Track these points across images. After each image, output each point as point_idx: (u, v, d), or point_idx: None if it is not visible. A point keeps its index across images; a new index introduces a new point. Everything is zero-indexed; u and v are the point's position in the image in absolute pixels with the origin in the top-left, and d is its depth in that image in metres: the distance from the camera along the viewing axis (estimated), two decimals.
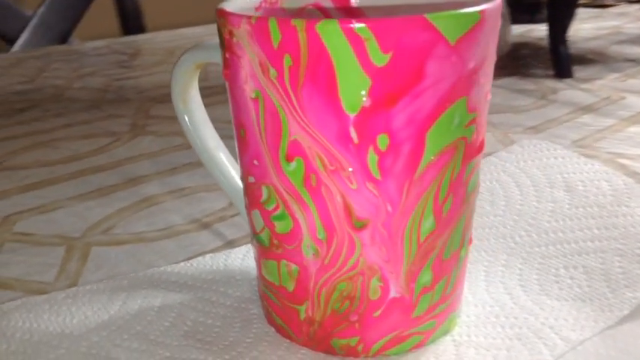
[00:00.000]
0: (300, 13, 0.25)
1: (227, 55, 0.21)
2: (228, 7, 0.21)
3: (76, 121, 0.54)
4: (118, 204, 0.37)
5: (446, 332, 0.24)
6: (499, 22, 0.21)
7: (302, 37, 0.18)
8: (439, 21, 0.18)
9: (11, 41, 1.38)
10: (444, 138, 0.20)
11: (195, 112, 0.26)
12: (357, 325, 0.22)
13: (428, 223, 0.21)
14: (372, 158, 0.19)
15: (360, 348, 0.22)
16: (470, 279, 0.27)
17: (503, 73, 0.59)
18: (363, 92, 0.18)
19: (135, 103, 0.58)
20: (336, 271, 0.21)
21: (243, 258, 0.29)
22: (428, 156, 0.20)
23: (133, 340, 0.23)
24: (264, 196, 0.22)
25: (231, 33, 0.20)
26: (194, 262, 0.28)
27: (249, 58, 0.20)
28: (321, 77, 0.18)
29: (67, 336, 0.23)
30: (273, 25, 0.18)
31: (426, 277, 0.22)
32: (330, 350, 0.23)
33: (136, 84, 0.66)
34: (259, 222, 0.22)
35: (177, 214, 0.35)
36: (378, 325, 0.22)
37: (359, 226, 0.20)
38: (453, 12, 0.18)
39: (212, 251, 0.30)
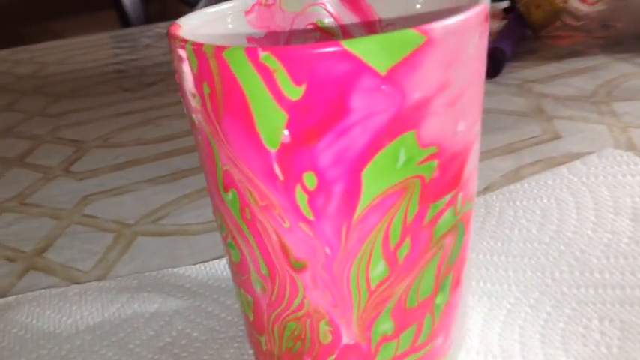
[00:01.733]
0: (299, 16, 0.23)
1: (176, 75, 0.20)
2: (195, 16, 0.20)
3: None
4: (182, 191, 0.38)
5: None
6: (472, 37, 0.17)
7: (213, 64, 0.16)
8: (361, 48, 0.15)
9: (193, 4, 1.48)
10: (386, 178, 0.17)
11: None
12: None
13: (378, 270, 0.18)
14: (300, 197, 0.17)
15: None
16: (488, 317, 0.24)
17: None
18: (281, 127, 0.16)
19: None
20: (283, 310, 0.20)
21: None
22: (367, 198, 0.17)
23: (110, 348, 0.23)
24: (218, 221, 0.20)
25: (172, 53, 0.19)
26: (208, 265, 0.28)
27: (183, 82, 0.18)
28: (237, 109, 0.17)
29: (55, 336, 0.24)
30: (189, 49, 0.17)
31: (384, 325, 0.19)
32: None
33: None
34: (223, 246, 0.21)
35: None
36: None
37: (298, 267, 0.18)
38: (379, 36, 0.15)
39: None
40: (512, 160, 0.37)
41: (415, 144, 0.17)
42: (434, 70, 0.16)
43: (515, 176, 0.35)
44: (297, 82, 0.16)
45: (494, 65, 0.50)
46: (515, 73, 0.51)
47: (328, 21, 0.24)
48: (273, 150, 0.17)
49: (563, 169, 0.29)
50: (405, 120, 0.16)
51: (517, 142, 0.39)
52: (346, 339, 0.19)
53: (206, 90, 0.17)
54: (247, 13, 0.22)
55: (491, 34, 0.63)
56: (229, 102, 0.17)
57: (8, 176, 0.43)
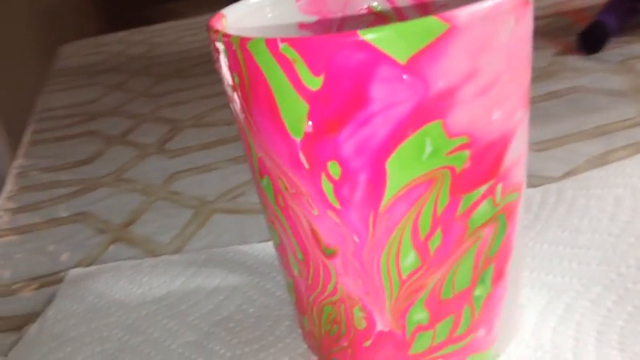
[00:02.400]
0: (352, 0, 0.23)
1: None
2: (237, 6, 0.21)
3: None
4: None
5: None
6: (506, 22, 0.16)
7: (239, 54, 0.17)
8: (379, 38, 0.15)
9: None
10: (412, 168, 0.17)
11: None
12: (349, 351, 0.21)
13: (409, 260, 0.18)
14: (326, 186, 0.17)
15: None
16: (545, 311, 0.23)
17: None
18: (303, 117, 0.17)
19: None
20: (319, 294, 0.20)
21: None
22: (393, 188, 0.17)
23: (171, 319, 0.25)
24: (261, 205, 0.21)
25: (210, 41, 0.19)
26: (269, 244, 0.29)
27: (220, 70, 0.19)
28: (263, 99, 0.17)
29: (125, 305, 0.26)
30: (219, 39, 0.17)
31: (418, 315, 0.19)
32: None
33: None
34: None
35: None
36: (370, 356, 0.20)
37: (328, 253, 0.19)
38: (398, 25, 0.15)
39: None
40: (600, 143, 0.35)
41: (442, 134, 0.17)
42: (459, 58, 0.16)
43: (601, 161, 0.33)
44: (316, 73, 0.16)
45: (594, 40, 0.46)
46: (618, 49, 0.48)
47: (382, 4, 0.23)
48: (297, 139, 0.17)
49: None
50: (428, 110, 0.16)
51: (608, 124, 0.37)
52: (380, 326, 0.20)
53: (236, 80, 0.18)
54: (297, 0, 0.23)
55: (596, 7, 0.59)
56: (256, 92, 0.17)
57: (110, 153, 0.46)
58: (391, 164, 0.17)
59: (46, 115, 0.58)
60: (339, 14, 0.23)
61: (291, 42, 0.16)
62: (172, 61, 0.69)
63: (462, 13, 0.15)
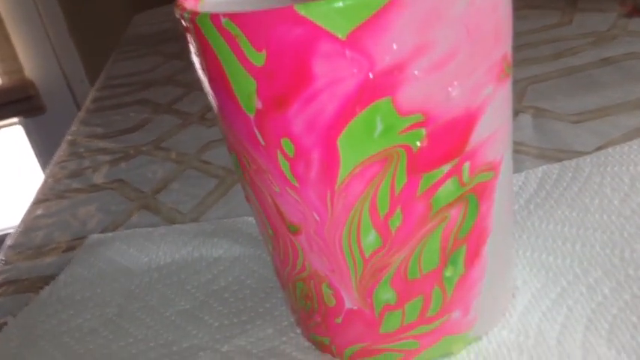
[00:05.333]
0: None
1: None
2: None
3: None
4: None
5: (444, 354, 0.20)
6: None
7: (191, 29, 0.17)
8: (316, 13, 0.15)
9: None
10: (365, 146, 0.16)
11: None
12: (323, 326, 0.21)
13: (370, 239, 0.18)
14: (283, 163, 0.17)
15: (333, 349, 0.21)
16: (538, 294, 0.22)
17: None
18: (253, 93, 0.16)
19: None
20: (291, 270, 0.20)
21: None
22: (347, 166, 0.17)
23: (169, 287, 0.26)
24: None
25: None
26: None
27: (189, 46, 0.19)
28: (217, 75, 0.17)
29: (130, 272, 0.27)
30: (177, 13, 0.17)
31: (385, 294, 0.19)
32: (312, 342, 0.22)
33: None
34: None
35: None
36: (342, 332, 0.20)
37: (293, 230, 0.19)
38: (331, 1, 0.14)
39: None
40: None
41: (393, 111, 0.16)
42: (406, 32, 0.15)
43: (639, 135, 0.31)
44: (258, 48, 0.15)
45: None
46: None
47: None
48: (251, 115, 0.17)
49: None
50: (376, 86, 0.16)
51: None
52: (349, 304, 0.19)
53: (196, 57, 0.18)
54: None
55: None
56: (210, 68, 0.17)
57: (155, 121, 0.48)
58: (342, 142, 0.16)
59: (107, 84, 0.61)
60: None
61: (232, 17, 0.15)
62: None
63: None
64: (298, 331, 0.23)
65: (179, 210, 0.33)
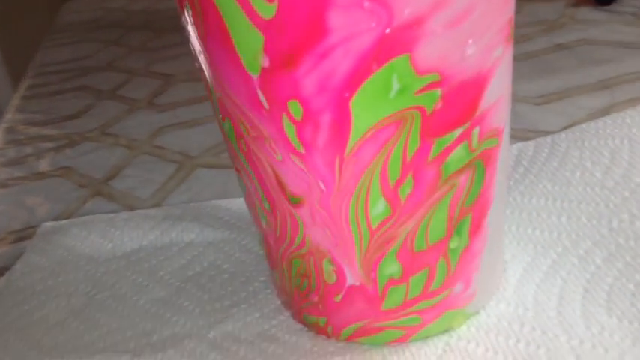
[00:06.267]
0: None
1: None
2: None
3: None
4: None
5: (445, 330, 0.20)
6: None
7: None
8: None
9: None
10: (379, 108, 0.15)
11: None
12: (320, 306, 0.20)
13: (378, 208, 0.17)
14: (288, 127, 0.16)
15: (329, 330, 0.20)
16: (529, 267, 0.22)
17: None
18: (259, 50, 0.15)
19: None
20: (288, 246, 0.19)
21: None
22: (359, 129, 0.16)
23: (141, 274, 0.24)
24: (227, 153, 0.20)
25: None
26: None
27: (176, 2, 0.17)
28: (217, 30, 0.16)
29: (94, 259, 0.25)
30: None
31: (390, 267, 0.18)
32: (304, 324, 0.21)
33: None
34: None
35: None
36: (341, 311, 0.19)
37: (294, 202, 0.18)
38: None
39: None
40: (605, 96, 0.33)
41: (410, 70, 0.15)
42: None
43: (603, 115, 0.31)
44: None
45: None
46: (632, 0, 0.45)
47: None
48: (254, 75, 0.16)
49: None
50: (394, 42, 0.15)
51: (614, 77, 0.35)
52: (351, 280, 0.18)
53: (188, 11, 0.16)
54: None
55: None
56: (209, 23, 0.16)
57: (99, 107, 0.45)
58: (356, 103, 0.15)
59: (41, 71, 0.57)
60: None
61: None
62: (173, 17, 0.67)
63: None
64: (287, 313, 0.21)
65: (137, 196, 0.32)
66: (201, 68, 0.18)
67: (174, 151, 0.36)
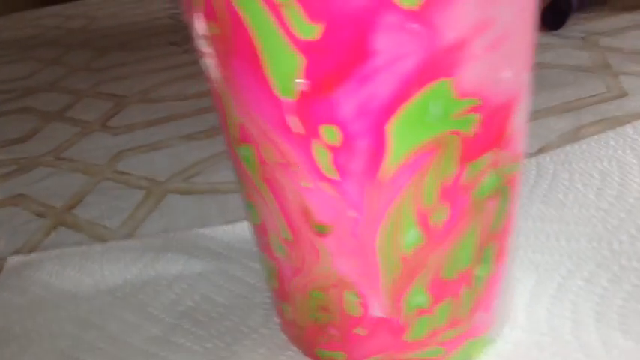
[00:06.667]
0: None
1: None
2: None
3: None
4: (215, 148, 0.36)
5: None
6: None
7: (216, 2, 0.14)
8: None
9: None
10: (417, 133, 0.15)
11: None
12: (338, 339, 0.19)
13: (411, 236, 0.16)
14: (320, 153, 0.15)
15: None
16: (536, 291, 0.21)
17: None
18: (295, 72, 0.14)
19: None
20: (307, 278, 0.18)
21: None
22: (396, 154, 0.15)
23: (130, 311, 0.22)
24: (236, 177, 0.19)
25: None
26: (236, 226, 0.27)
27: (192, 17, 0.16)
28: (246, 52, 0.15)
29: (75, 296, 0.23)
30: None
31: (418, 297, 0.17)
32: (317, 359, 0.20)
33: None
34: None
35: None
36: (362, 344, 0.18)
37: (321, 230, 0.17)
38: None
39: None
40: (571, 119, 0.34)
41: (450, 93, 0.15)
42: (471, 6, 0.14)
43: (573, 137, 0.32)
44: (314, 19, 0.13)
45: (558, 16, 0.46)
46: (580, 25, 0.47)
47: None
48: (287, 99, 0.15)
49: (627, 129, 0.26)
50: (437, 65, 0.14)
51: (578, 99, 0.36)
52: (375, 311, 0.18)
53: (213, 31, 0.15)
54: None
55: None
56: (237, 44, 0.15)
57: (47, 130, 0.43)
58: (395, 127, 0.15)
59: None
60: None
61: None
62: (114, 35, 0.65)
63: None
64: (294, 348, 0.20)
65: (105, 225, 0.30)
66: (216, 91, 0.17)
67: (140, 176, 0.34)
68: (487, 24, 0.14)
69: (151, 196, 0.32)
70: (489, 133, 0.16)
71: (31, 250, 0.28)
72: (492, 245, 0.18)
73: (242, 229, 0.26)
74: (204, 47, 0.16)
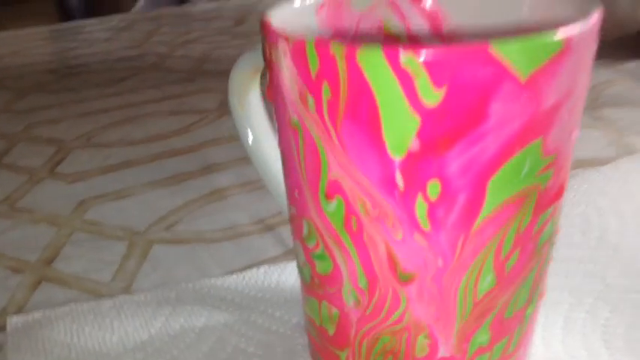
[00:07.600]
0: (369, 13, 0.22)
1: (269, 73, 0.19)
2: (281, 10, 0.19)
3: (168, 95, 0.54)
4: (188, 195, 0.36)
5: None
6: (594, 42, 0.17)
7: (341, 65, 0.15)
8: (507, 52, 0.15)
9: None
10: (509, 187, 0.16)
11: (253, 119, 0.24)
12: None
13: (487, 281, 0.18)
14: (420, 207, 0.16)
15: None
16: (546, 325, 0.23)
17: (632, 55, 0.52)
18: (411, 134, 0.16)
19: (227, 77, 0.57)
20: (379, 323, 0.19)
21: (298, 275, 0.27)
22: (488, 207, 0.17)
23: None
24: (305, 231, 0.19)
25: (271, 49, 0.18)
26: (246, 274, 0.27)
27: (288, 82, 0.17)
28: (363, 113, 0.16)
29: (103, 355, 0.22)
30: (310, 48, 0.16)
31: (482, 337, 0.19)
32: None
33: (234, 54, 0.65)
34: (301, 256, 0.20)
35: (243, 212, 0.33)
36: None
37: (405, 279, 0.18)
38: (525, 39, 0.15)
39: (271, 259, 0.29)
40: None
41: (539, 152, 0.16)
42: (567, 74, 0.16)
43: None
44: (438, 85, 0.15)
45: None
46: None
47: (393, 22, 0.23)
48: (397, 158, 0.16)
49: (594, 174, 0.30)
50: (536, 127, 0.16)
51: None
52: (442, 352, 0.19)
53: (325, 93, 0.16)
54: (318, 11, 0.21)
55: None
56: (354, 106, 0.16)
57: None
58: (493, 184, 0.16)
59: None
60: (353, 29, 0.22)
61: (416, 53, 0.15)
62: (27, 74, 0.62)
63: (576, 32, 0.15)
64: None
65: (96, 280, 0.28)
66: (309, 147, 0.17)
67: (113, 226, 0.33)
68: (572, 91, 0.16)
69: (135, 247, 0.31)
70: (556, 185, 0.18)
71: (19, 309, 0.26)
72: (540, 286, 0.20)
73: (253, 278, 0.26)
74: (302, 106, 0.17)
